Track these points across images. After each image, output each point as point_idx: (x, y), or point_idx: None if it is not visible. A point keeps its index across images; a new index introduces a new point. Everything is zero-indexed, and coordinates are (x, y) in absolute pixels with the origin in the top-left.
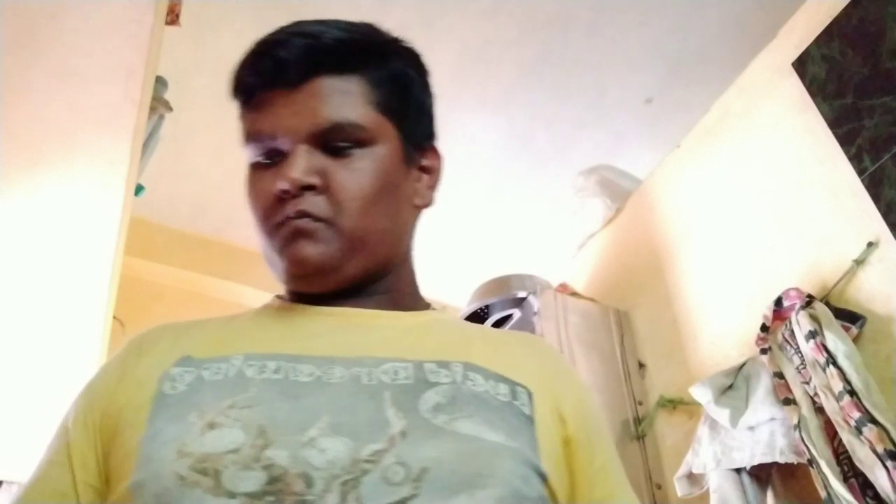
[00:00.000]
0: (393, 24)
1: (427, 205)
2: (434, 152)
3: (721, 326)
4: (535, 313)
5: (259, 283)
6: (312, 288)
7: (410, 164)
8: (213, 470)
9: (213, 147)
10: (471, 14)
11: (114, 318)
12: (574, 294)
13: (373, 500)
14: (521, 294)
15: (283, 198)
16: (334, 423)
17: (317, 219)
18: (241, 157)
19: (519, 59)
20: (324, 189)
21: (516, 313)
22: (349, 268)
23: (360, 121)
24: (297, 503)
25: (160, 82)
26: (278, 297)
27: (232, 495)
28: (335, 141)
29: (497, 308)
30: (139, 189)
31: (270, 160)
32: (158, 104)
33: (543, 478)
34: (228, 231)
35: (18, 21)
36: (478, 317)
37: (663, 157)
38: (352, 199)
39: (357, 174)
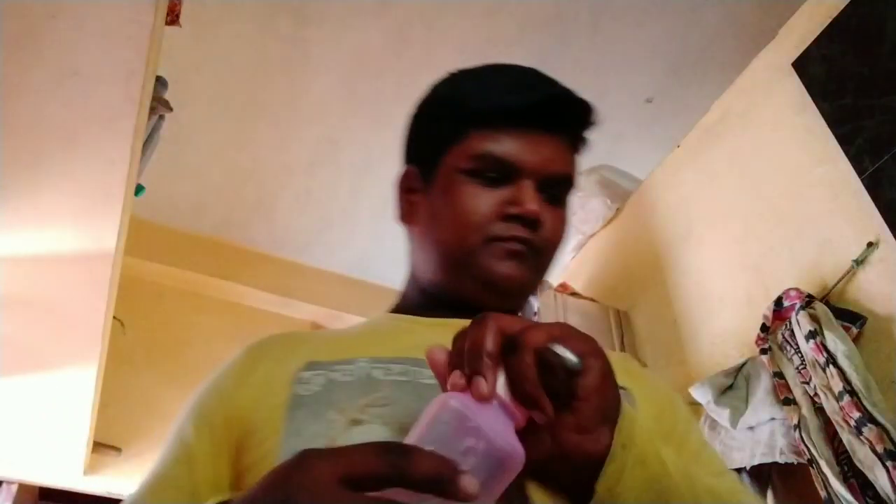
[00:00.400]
0: (393, 23)
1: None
2: None
3: (721, 326)
4: (535, 313)
5: (259, 283)
6: (495, 302)
7: None
8: None
9: (213, 147)
10: (471, 14)
11: (114, 318)
12: (574, 294)
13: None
14: None
15: (509, 220)
16: None
17: (532, 250)
18: (241, 157)
19: (519, 59)
20: (540, 226)
21: None
22: (525, 297)
23: (575, 181)
24: None
25: (160, 82)
26: (393, 311)
27: None
28: (557, 190)
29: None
30: (139, 189)
31: (490, 181)
32: (158, 104)
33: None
34: (228, 231)
35: (18, 21)
36: None
37: (663, 157)
38: (555, 243)
39: (561, 224)
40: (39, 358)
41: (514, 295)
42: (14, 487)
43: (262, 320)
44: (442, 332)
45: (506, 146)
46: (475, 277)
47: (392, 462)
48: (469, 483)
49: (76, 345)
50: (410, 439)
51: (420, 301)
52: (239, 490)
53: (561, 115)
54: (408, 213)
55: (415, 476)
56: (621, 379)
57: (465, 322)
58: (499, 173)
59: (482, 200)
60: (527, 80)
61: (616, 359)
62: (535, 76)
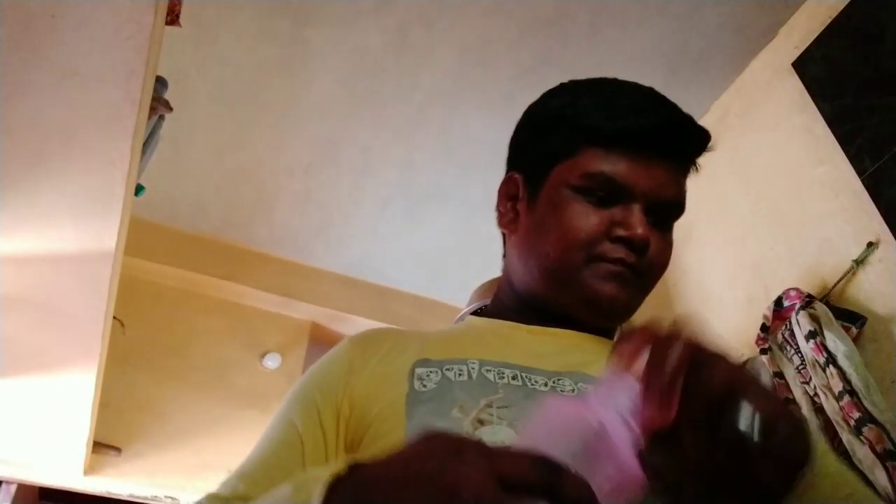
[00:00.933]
0: (393, 24)
1: None
2: None
3: (721, 326)
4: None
5: (259, 283)
6: (592, 320)
7: None
8: None
9: (213, 147)
10: (471, 14)
11: (114, 318)
12: None
13: None
14: None
15: (617, 241)
16: None
17: (635, 273)
18: (241, 157)
19: (519, 59)
20: (647, 251)
21: None
22: (624, 319)
23: (684, 207)
24: None
25: (160, 82)
26: (483, 314)
27: None
28: (666, 216)
29: None
30: (139, 189)
31: (599, 199)
32: (158, 104)
33: None
34: (228, 231)
35: (18, 21)
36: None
37: None
38: (659, 269)
39: (667, 250)
40: (39, 358)
41: (614, 317)
42: (14, 487)
43: (262, 320)
44: (544, 340)
45: (619, 167)
46: (577, 295)
47: (546, 476)
48: None
49: (76, 345)
50: (546, 447)
51: (516, 307)
52: None
53: (678, 142)
54: (510, 221)
55: (564, 497)
56: None
57: (568, 333)
58: (609, 194)
59: (590, 219)
60: (646, 103)
61: None
62: (655, 98)
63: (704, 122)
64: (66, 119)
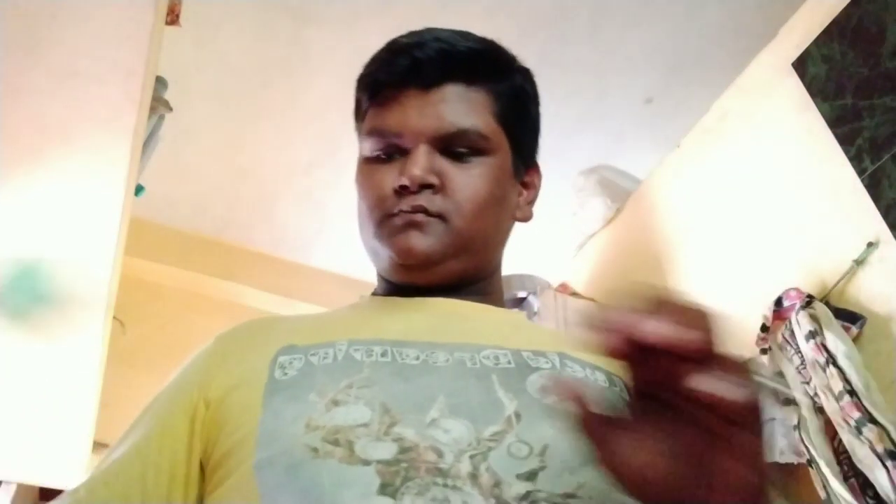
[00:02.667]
0: (393, 23)
1: (525, 219)
2: (536, 170)
3: (721, 326)
4: (536, 313)
5: (259, 283)
6: (413, 279)
7: (517, 177)
8: (346, 441)
9: (213, 147)
10: (471, 14)
11: (114, 318)
12: (574, 294)
13: (503, 471)
14: (521, 294)
15: (400, 192)
16: (451, 404)
17: (430, 214)
18: (241, 157)
19: (519, 59)
20: (440, 189)
21: None
22: (451, 265)
23: (483, 130)
24: (430, 469)
25: (160, 82)
26: (373, 294)
27: (367, 462)
28: (457, 146)
29: None
30: (139, 189)
31: (387, 156)
32: (158, 104)
33: None
34: (228, 231)
35: (19, 21)
36: None
37: (663, 157)
38: (466, 201)
39: (473, 179)
40: (39, 358)
41: (428, 267)
42: (14, 487)
43: None
44: (419, 311)
45: (386, 118)
46: (388, 258)
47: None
48: None
49: (76, 345)
50: None
51: (384, 282)
52: (232, 477)
53: (438, 70)
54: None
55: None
56: None
57: (445, 301)
58: (389, 148)
59: (377, 178)
60: (402, 47)
61: None
62: (415, 40)
63: (704, 121)
64: (66, 119)
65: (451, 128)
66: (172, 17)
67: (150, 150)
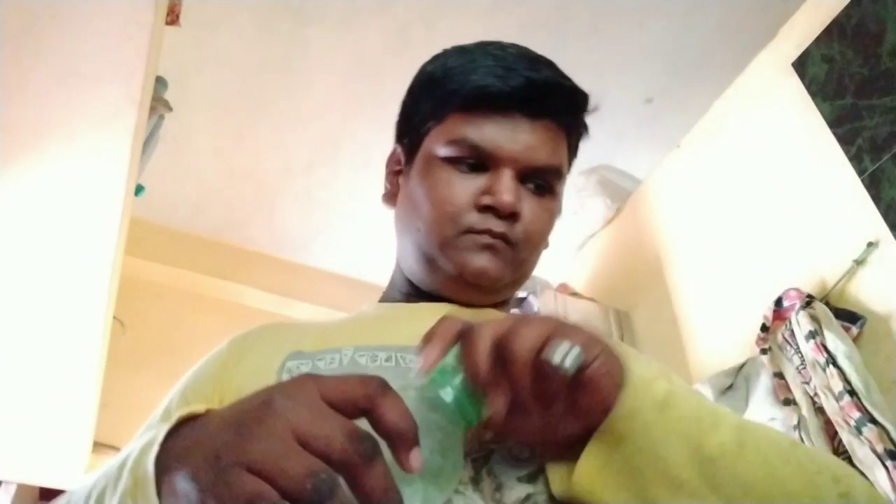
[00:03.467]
0: (393, 24)
1: (547, 246)
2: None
3: (721, 326)
4: (536, 313)
5: (259, 283)
6: (468, 297)
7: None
8: None
9: (213, 147)
10: (471, 14)
11: (114, 318)
12: (574, 294)
13: (504, 473)
14: (521, 294)
15: (484, 211)
16: None
17: (508, 243)
18: (241, 157)
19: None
20: (518, 219)
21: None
22: (504, 291)
23: (562, 170)
24: None
25: (160, 82)
26: (380, 301)
27: None
28: (538, 180)
29: None
30: (139, 189)
31: (467, 166)
32: (158, 104)
33: None
34: (228, 231)
35: (19, 21)
36: None
37: (663, 157)
38: (534, 235)
39: (543, 214)
40: (39, 358)
41: (487, 290)
42: (14, 487)
43: (261, 320)
44: (423, 317)
45: (484, 132)
46: (448, 271)
47: (369, 396)
48: (415, 459)
49: (76, 345)
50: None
51: (404, 288)
52: None
53: (545, 102)
54: (391, 196)
55: (381, 418)
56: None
57: (448, 307)
58: (477, 160)
59: (456, 188)
60: (513, 63)
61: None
62: (522, 57)
63: (704, 121)
64: (66, 119)
65: (542, 163)
66: (172, 17)
67: (150, 150)
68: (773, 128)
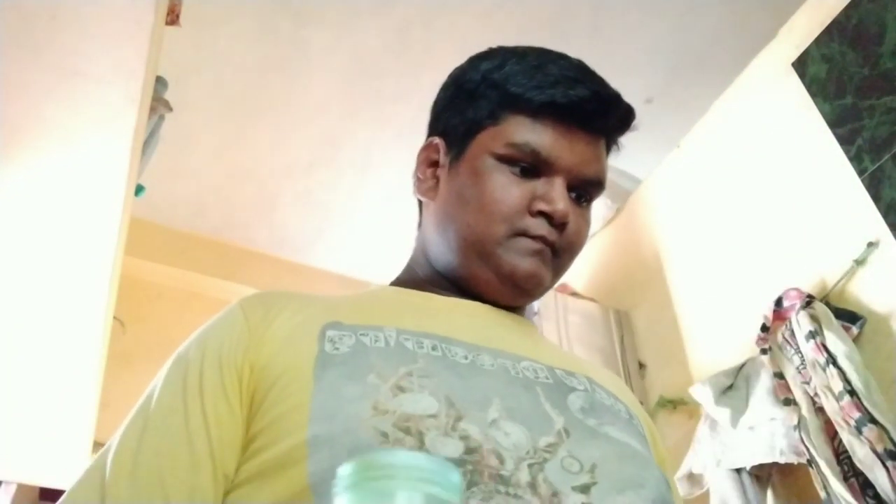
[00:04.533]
0: (393, 24)
1: None
2: None
3: (721, 326)
4: (536, 313)
5: (259, 283)
6: (508, 297)
7: None
8: (417, 430)
9: (213, 147)
10: (471, 14)
11: (114, 318)
12: (574, 294)
13: (559, 482)
14: None
15: (537, 216)
16: (506, 407)
17: (555, 252)
18: (241, 157)
19: None
20: (566, 228)
21: None
22: (539, 296)
23: (605, 186)
24: (493, 475)
25: (160, 82)
26: (394, 284)
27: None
28: (587, 193)
29: None
30: (139, 189)
31: (520, 170)
32: (158, 104)
33: (670, 488)
34: (228, 231)
35: (18, 21)
36: None
37: (663, 157)
38: (577, 245)
39: (584, 226)
40: (40, 358)
41: (531, 294)
42: (14, 487)
43: None
44: (459, 312)
45: (545, 139)
46: (495, 269)
47: None
48: None
49: (76, 345)
50: None
51: (430, 277)
52: (278, 446)
53: (605, 117)
54: (429, 189)
55: None
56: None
57: (481, 306)
58: (533, 165)
59: (512, 191)
60: (576, 74)
61: (608, 377)
62: (584, 71)
63: (704, 121)
64: (66, 119)
65: (592, 176)
66: (172, 17)
67: (150, 150)
68: (773, 128)
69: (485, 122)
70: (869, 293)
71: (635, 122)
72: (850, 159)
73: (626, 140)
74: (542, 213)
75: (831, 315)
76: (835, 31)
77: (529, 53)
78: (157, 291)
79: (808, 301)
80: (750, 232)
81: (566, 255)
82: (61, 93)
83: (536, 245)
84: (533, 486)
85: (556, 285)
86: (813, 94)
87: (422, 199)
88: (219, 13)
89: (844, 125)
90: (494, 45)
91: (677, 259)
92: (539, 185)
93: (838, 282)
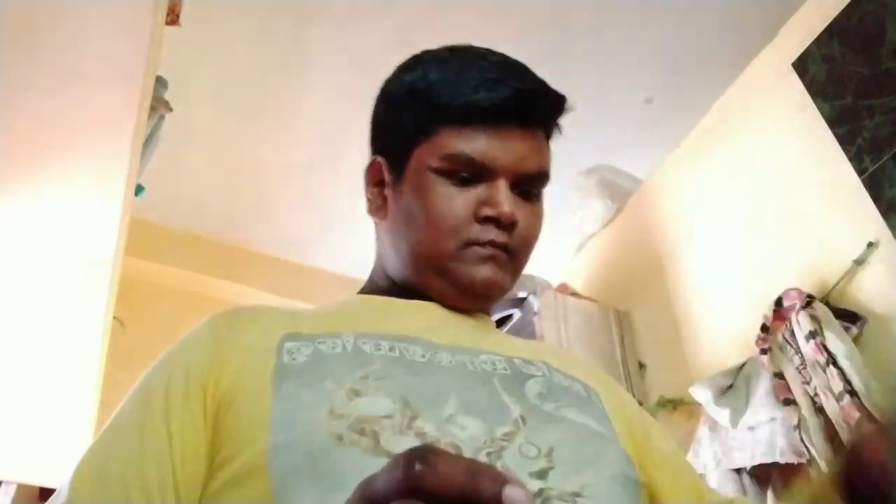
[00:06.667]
0: (393, 23)
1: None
2: None
3: (721, 326)
4: (536, 313)
5: (259, 283)
6: (472, 303)
7: None
8: (372, 431)
9: (213, 147)
10: (471, 14)
11: (114, 318)
12: (574, 294)
13: (517, 468)
14: (522, 294)
15: (484, 222)
16: (463, 402)
17: (509, 253)
18: (242, 157)
19: (519, 59)
20: (516, 227)
21: (516, 313)
22: (499, 299)
23: (549, 174)
24: None
25: (160, 82)
26: (362, 292)
27: (390, 455)
28: (532, 187)
29: (497, 308)
30: (139, 189)
31: (461, 179)
32: (158, 104)
33: (632, 462)
34: (228, 231)
35: (19, 21)
36: None
37: (663, 157)
38: (530, 241)
39: (535, 221)
40: (40, 358)
41: (491, 298)
42: (14, 487)
43: None
44: (418, 313)
45: (478, 145)
46: (452, 282)
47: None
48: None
49: (76, 345)
50: None
51: (390, 288)
52: (240, 457)
53: (534, 110)
54: (378, 208)
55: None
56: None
57: (439, 308)
58: (472, 173)
59: (456, 202)
60: (497, 74)
61: (567, 357)
62: (506, 68)
63: (704, 122)
64: (67, 119)
65: (534, 171)
66: (172, 17)
67: (150, 150)
68: (773, 128)
69: (417, 137)
70: (869, 293)
71: (570, 104)
72: (850, 159)
73: (626, 140)
74: (488, 219)
75: (831, 315)
76: (835, 31)
77: (451, 59)
78: (157, 291)
79: (808, 301)
80: (750, 232)
81: (521, 253)
82: (61, 93)
83: (488, 251)
84: None
85: (556, 285)
86: (813, 94)
87: (374, 219)
88: (219, 13)
89: (844, 125)
90: (494, 45)
91: (677, 259)
92: (481, 190)
93: (838, 282)
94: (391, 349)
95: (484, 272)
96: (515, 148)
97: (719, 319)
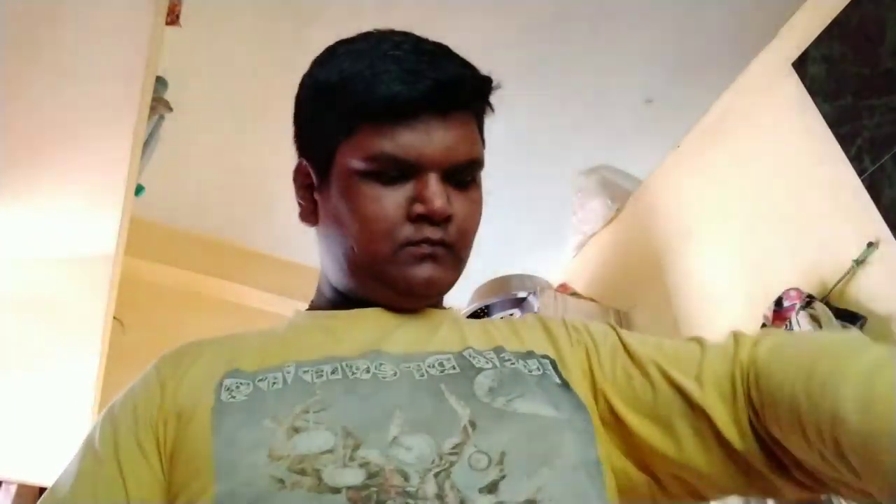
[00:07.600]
0: (393, 24)
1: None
2: None
3: (721, 326)
4: (536, 313)
5: (259, 283)
6: (415, 304)
7: None
8: (313, 469)
9: (213, 147)
10: (471, 14)
11: (114, 318)
12: (574, 294)
13: (466, 486)
14: (522, 294)
15: (416, 220)
16: (408, 419)
17: (446, 247)
18: (241, 157)
19: (519, 59)
20: (451, 220)
21: (517, 313)
22: (443, 295)
23: (482, 159)
24: (399, 493)
25: (160, 82)
26: (310, 308)
27: (336, 490)
28: (464, 176)
29: (497, 308)
30: (139, 189)
31: (389, 177)
32: (158, 104)
33: (594, 431)
34: (228, 231)
35: (18, 21)
36: (478, 317)
37: (663, 157)
38: (470, 232)
39: (474, 208)
40: (39, 358)
41: (433, 296)
42: (14, 487)
43: (261, 320)
44: (365, 324)
45: (402, 141)
46: (392, 286)
47: None
48: None
49: (76, 345)
50: None
51: (334, 299)
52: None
53: (456, 98)
54: (310, 213)
55: None
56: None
57: (384, 312)
58: (398, 171)
59: (385, 204)
60: (414, 66)
61: (521, 328)
62: (422, 57)
63: (704, 122)
64: (66, 119)
65: (464, 159)
66: (172, 17)
67: (150, 150)
68: (773, 128)
69: (338, 137)
70: (869, 293)
71: (497, 82)
72: (850, 159)
73: (626, 140)
74: (421, 217)
75: (831, 315)
76: (835, 31)
77: (362, 50)
78: (157, 291)
79: (808, 301)
80: (750, 232)
81: (461, 245)
82: (61, 93)
83: (424, 250)
84: (440, 496)
85: (556, 285)
86: (813, 94)
87: (306, 225)
88: (219, 13)
89: (844, 125)
90: (494, 44)
91: (677, 259)
92: (411, 187)
93: (838, 282)
94: (333, 371)
95: (422, 272)
96: (441, 139)
97: (719, 319)
